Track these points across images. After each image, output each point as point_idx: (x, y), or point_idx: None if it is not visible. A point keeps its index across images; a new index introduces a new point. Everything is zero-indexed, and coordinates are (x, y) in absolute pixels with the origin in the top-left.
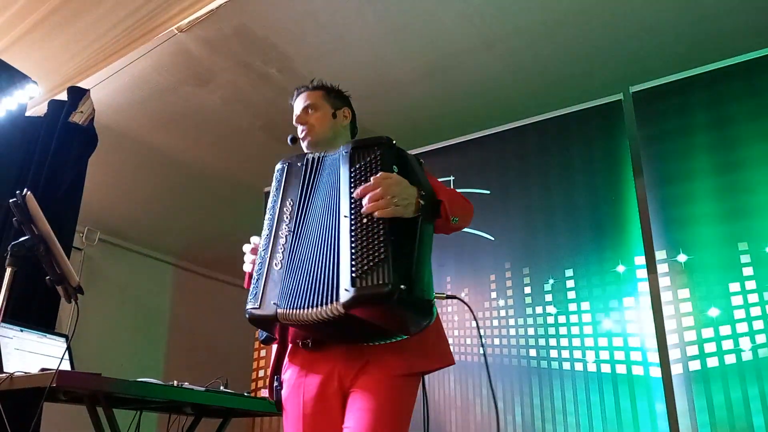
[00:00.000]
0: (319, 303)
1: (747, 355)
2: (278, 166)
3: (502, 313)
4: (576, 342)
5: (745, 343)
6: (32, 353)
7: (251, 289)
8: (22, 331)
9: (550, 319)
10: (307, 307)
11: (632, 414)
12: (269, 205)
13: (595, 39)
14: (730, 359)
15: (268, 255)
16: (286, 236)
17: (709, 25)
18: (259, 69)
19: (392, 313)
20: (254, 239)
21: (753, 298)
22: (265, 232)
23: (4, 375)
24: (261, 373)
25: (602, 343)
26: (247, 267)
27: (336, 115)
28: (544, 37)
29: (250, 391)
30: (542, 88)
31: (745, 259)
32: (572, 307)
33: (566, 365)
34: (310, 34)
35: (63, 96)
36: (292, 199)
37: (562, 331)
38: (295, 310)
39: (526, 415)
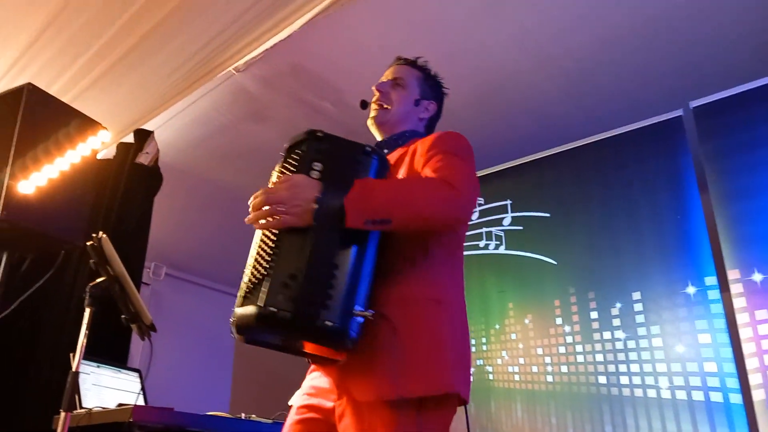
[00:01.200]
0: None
1: None
2: (284, 146)
3: (569, 339)
4: (647, 368)
5: None
6: (108, 388)
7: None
8: (99, 367)
9: (619, 345)
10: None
11: None
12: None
13: (649, 55)
14: None
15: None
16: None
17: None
18: (313, 103)
19: (284, 339)
20: None
21: None
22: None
23: (83, 411)
24: None
25: (675, 368)
26: None
27: (419, 104)
28: (597, 54)
29: None
30: (599, 107)
31: None
32: (641, 331)
33: (638, 392)
34: (361, 67)
35: (130, 138)
36: None
37: (632, 356)
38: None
39: None
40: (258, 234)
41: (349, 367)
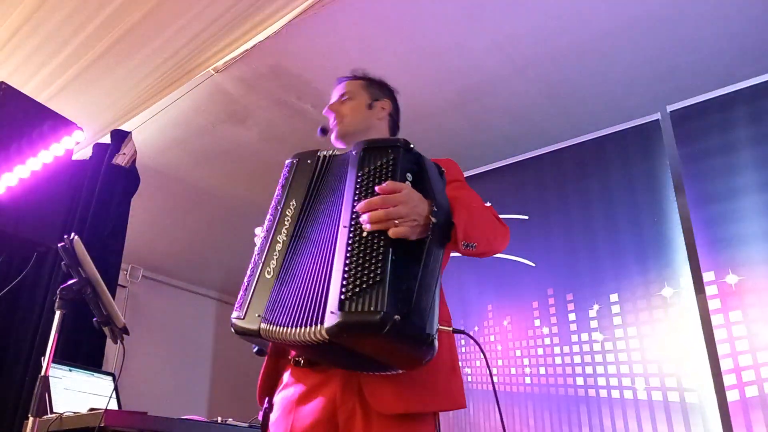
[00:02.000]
0: (303, 323)
1: None
2: (287, 161)
3: (547, 341)
4: (624, 369)
5: None
6: (80, 392)
7: (239, 296)
8: (70, 371)
9: (597, 346)
10: (291, 326)
11: None
12: (272, 203)
13: (627, 59)
14: None
15: (262, 260)
16: (283, 241)
17: (745, 39)
18: (294, 105)
19: (383, 345)
20: (258, 230)
21: None
22: (262, 233)
23: (54, 416)
24: None
25: (652, 369)
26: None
27: (373, 107)
28: (576, 59)
29: None
30: (577, 111)
31: None
32: (618, 333)
33: (615, 393)
34: (342, 69)
35: (106, 139)
36: (296, 200)
37: (610, 357)
38: (278, 327)
39: None
40: (344, 234)
41: (382, 379)
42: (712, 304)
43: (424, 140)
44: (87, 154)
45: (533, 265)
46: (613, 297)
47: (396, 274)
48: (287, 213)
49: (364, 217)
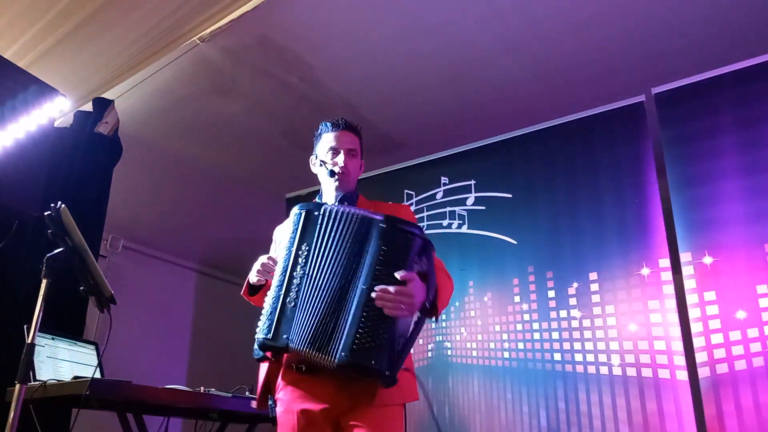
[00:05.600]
0: (319, 350)
1: None
2: (296, 211)
3: (526, 317)
4: (601, 345)
5: None
6: (64, 361)
7: (264, 320)
8: (53, 339)
9: (575, 323)
10: (311, 350)
11: (659, 418)
12: (285, 244)
13: (616, 40)
14: (758, 362)
15: (282, 292)
16: (300, 277)
17: (731, 24)
18: (280, 77)
19: (370, 380)
20: (265, 258)
21: None
22: (279, 268)
23: (37, 383)
24: None
25: (627, 346)
26: (252, 277)
27: (361, 166)
28: (565, 39)
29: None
30: (564, 91)
31: None
32: (596, 310)
33: (591, 369)
34: (331, 43)
35: (89, 107)
36: (307, 244)
37: (587, 334)
38: (302, 348)
39: (551, 419)
40: (362, 295)
41: (359, 384)
42: (688, 284)
43: (412, 116)
44: (68, 121)
45: (515, 242)
46: (593, 275)
47: (392, 340)
48: (300, 254)
49: (380, 294)
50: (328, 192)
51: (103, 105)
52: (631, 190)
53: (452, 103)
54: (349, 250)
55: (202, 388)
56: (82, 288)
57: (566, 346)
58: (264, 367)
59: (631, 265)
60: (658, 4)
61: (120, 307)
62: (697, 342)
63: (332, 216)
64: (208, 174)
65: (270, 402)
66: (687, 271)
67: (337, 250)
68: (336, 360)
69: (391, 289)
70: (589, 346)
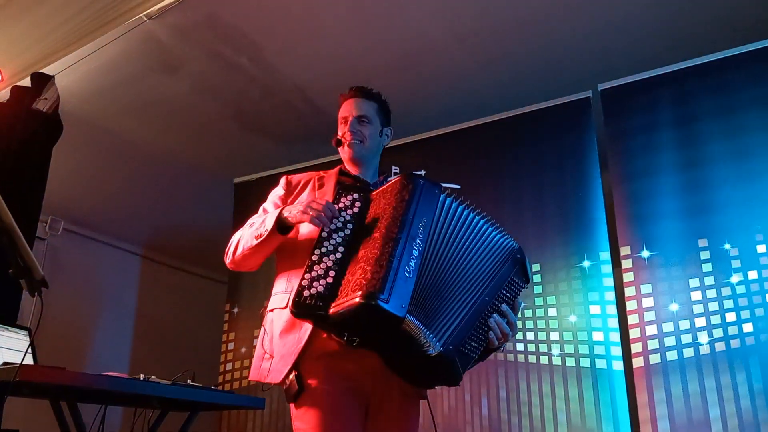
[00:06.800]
0: (428, 328)
1: (705, 349)
2: (411, 182)
3: None
4: (542, 336)
5: (703, 337)
6: None
7: (380, 276)
8: None
9: None
10: (418, 327)
11: (595, 406)
12: (399, 208)
13: (565, 36)
14: (688, 353)
15: (398, 258)
16: (419, 251)
17: (675, 24)
18: (229, 58)
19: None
20: (323, 202)
21: (711, 293)
22: (395, 230)
23: None
24: (229, 366)
25: (567, 337)
26: (296, 214)
27: (382, 134)
28: (515, 33)
29: (218, 384)
30: (513, 84)
31: (704, 255)
32: (538, 301)
33: (532, 358)
34: (282, 24)
35: (26, 82)
36: (425, 220)
37: (529, 324)
38: (421, 328)
39: (492, 408)
40: (482, 304)
41: (395, 375)
42: (626, 277)
43: None
44: (5, 97)
45: None
46: (535, 267)
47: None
48: (420, 227)
49: (499, 320)
50: (346, 163)
51: (42, 80)
52: (575, 184)
53: (403, 93)
54: (478, 267)
55: (141, 376)
56: (10, 270)
57: None
58: (275, 336)
59: (573, 258)
60: (606, 3)
61: (60, 292)
62: (633, 333)
63: (454, 213)
64: (153, 156)
65: (297, 372)
66: (626, 264)
67: (462, 257)
68: (439, 349)
69: (506, 335)
70: (530, 336)
